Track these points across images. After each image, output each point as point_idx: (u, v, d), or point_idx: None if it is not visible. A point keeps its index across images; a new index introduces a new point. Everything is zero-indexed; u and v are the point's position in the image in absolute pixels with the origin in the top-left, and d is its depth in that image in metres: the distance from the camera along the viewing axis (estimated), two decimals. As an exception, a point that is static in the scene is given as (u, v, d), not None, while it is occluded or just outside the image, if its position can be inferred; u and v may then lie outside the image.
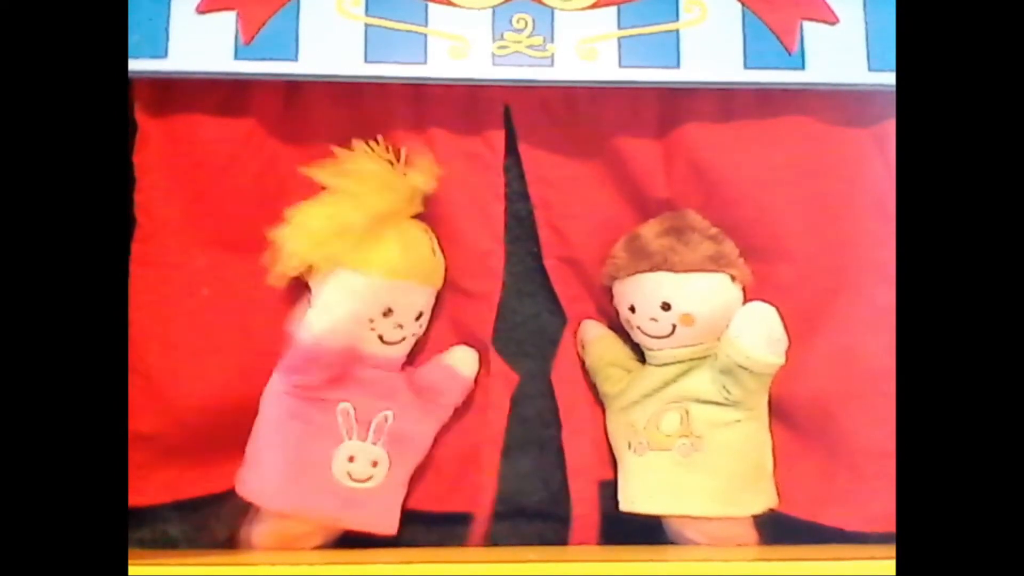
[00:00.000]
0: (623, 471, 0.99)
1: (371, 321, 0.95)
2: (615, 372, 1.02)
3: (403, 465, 0.98)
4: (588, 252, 1.03)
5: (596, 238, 1.02)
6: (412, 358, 1.02)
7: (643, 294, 0.98)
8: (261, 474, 0.94)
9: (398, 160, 0.98)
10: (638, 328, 1.00)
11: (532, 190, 1.02)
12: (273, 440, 0.94)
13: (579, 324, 1.05)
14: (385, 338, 0.96)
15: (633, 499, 0.98)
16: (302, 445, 0.93)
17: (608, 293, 1.03)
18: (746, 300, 0.98)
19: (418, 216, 1.00)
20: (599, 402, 1.04)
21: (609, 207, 1.03)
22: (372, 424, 0.95)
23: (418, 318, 0.98)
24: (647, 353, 1.01)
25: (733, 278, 0.98)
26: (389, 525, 0.97)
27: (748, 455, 0.97)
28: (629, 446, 0.99)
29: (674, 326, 0.97)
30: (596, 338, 1.04)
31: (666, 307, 0.97)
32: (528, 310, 1.05)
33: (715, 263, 0.97)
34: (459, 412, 1.01)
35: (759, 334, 0.93)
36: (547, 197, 1.03)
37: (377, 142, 0.98)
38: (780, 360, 0.94)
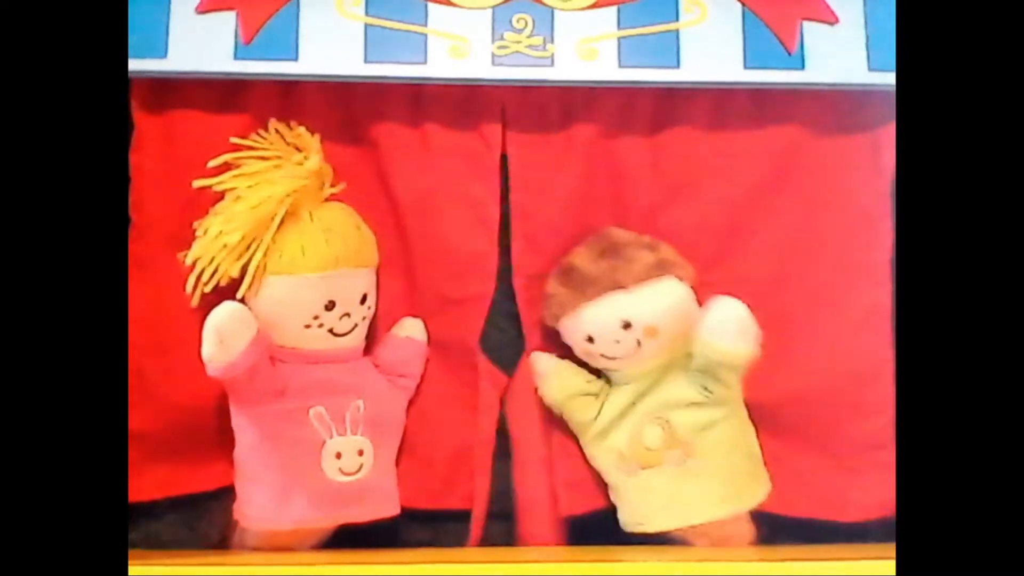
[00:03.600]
0: (618, 494, 0.98)
1: (315, 319, 0.94)
2: (583, 400, 0.99)
3: (387, 446, 0.98)
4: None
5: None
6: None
7: (600, 321, 0.96)
8: (258, 502, 0.94)
9: (297, 149, 0.96)
10: (601, 355, 0.98)
11: (513, 196, 1.01)
12: (257, 466, 0.94)
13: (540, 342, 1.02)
14: (336, 331, 0.96)
15: (638, 520, 0.97)
16: (287, 461, 0.93)
17: (554, 332, 1.00)
18: (699, 298, 0.97)
19: (401, 213, 1.00)
20: (553, 431, 1.01)
21: (590, 217, 1.01)
22: (347, 417, 0.95)
23: (363, 301, 0.97)
24: (611, 374, 1.00)
25: (680, 278, 0.97)
26: (391, 507, 0.97)
27: (739, 447, 0.97)
28: (618, 469, 0.98)
29: (639, 342, 0.96)
30: (552, 371, 1.00)
31: (627, 326, 0.95)
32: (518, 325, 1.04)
33: (660, 269, 0.96)
34: (450, 411, 1.01)
35: (731, 329, 0.93)
36: (526, 206, 1.01)
37: (288, 130, 0.97)
38: (754, 350, 0.93)
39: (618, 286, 0.95)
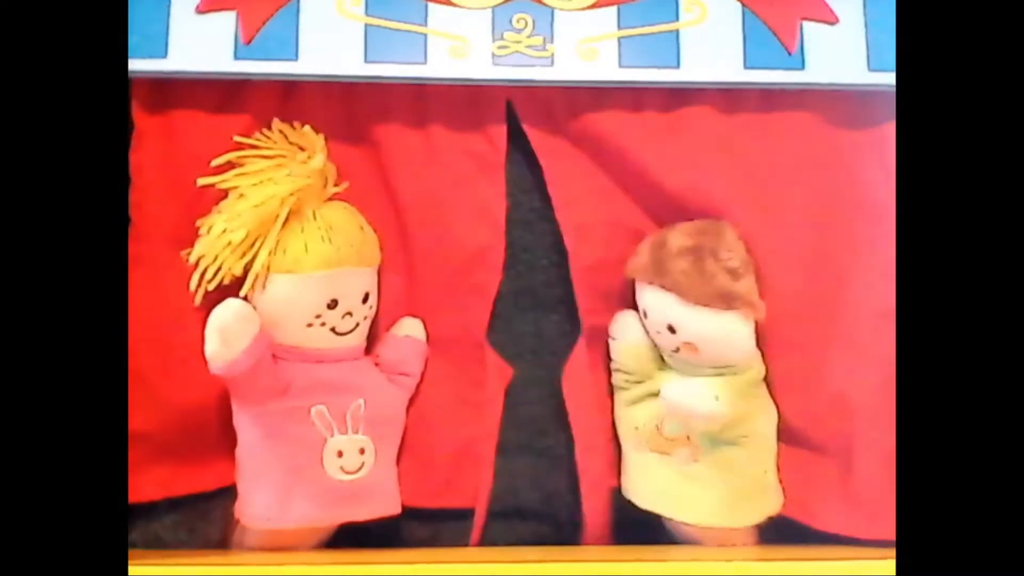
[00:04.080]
0: (625, 458, 0.99)
1: (317, 317, 0.94)
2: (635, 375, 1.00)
3: (388, 445, 0.98)
4: (610, 255, 1.00)
5: (616, 241, 1.01)
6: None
7: (653, 309, 0.96)
8: (259, 501, 0.94)
9: (301, 148, 0.96)
10: (647, 327, 0.99)
11: (551, 190, 1.01)
12: (259, 465, 0.94)
13: (594, 332, 1.01)
14: (338, 330, 0.96)
15: (632, 492, 0.98)
16: (289, 460, 0.93)
17: (605, 329, 1.01)
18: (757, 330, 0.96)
19: (404, 212, 1.00)
20: (608, 407, 1.02)
21: (623, 210, 1.01)
22: (348, 415, 0.95)
23: (365, 300, 0.97)
24: (659, 348, 1.00)
25: (745, 316, 0.95)
26: (393, 506, 0.97)
27: (748, 471, 0.96)
28: (631, 438, 0.98)
29: (678, 347, 0.96)
30: (625, 323, 1.00)
31: (672, 330, 0.95)
32: (528, 320, 1.04)
33: (726, 302, 0.93)
34: (452, 409, 1.01)
35: (681, 413, 0.93)
36: (566, 202, 1.01)
37: (292, 130, 0.97)
38: (716, 417, 0.93)
39: (680, 293, 0.94)
